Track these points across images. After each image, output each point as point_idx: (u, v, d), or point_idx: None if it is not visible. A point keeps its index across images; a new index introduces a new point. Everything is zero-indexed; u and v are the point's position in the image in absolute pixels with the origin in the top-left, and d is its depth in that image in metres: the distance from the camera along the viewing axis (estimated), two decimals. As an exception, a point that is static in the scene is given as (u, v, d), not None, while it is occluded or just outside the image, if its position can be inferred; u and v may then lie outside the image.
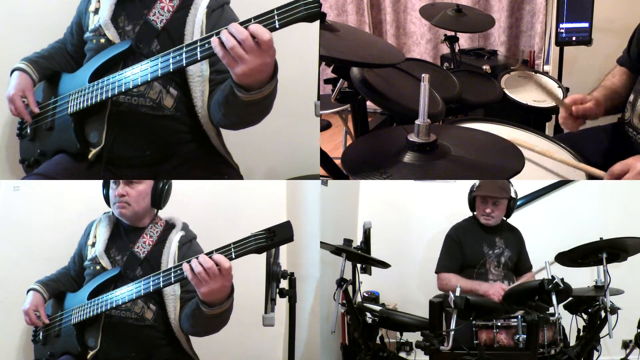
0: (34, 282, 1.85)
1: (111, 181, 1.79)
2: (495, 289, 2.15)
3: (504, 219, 2.40)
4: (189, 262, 1.46)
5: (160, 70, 1.46)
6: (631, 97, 1.82)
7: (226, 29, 1.29)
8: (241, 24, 1.31)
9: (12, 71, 1.73)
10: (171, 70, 1.45)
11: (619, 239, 1.97)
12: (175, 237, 1.79)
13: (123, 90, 1.54)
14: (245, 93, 1.37)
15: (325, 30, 1.66)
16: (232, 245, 1.45)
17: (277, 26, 1.30)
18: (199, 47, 1.39)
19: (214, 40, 1.30)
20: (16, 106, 1.69)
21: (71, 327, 1.73)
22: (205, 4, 1.66)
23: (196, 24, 1.63)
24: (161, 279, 1.56)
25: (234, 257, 1.44)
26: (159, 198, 1.80)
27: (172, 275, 1.55)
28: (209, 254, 1.47)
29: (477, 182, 2.36)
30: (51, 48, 1.83)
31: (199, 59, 1.39)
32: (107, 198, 1.83)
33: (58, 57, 1.81)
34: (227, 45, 1.28)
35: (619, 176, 1.41)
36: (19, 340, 2.08)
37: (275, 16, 1.30)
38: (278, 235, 1.42)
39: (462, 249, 2.32)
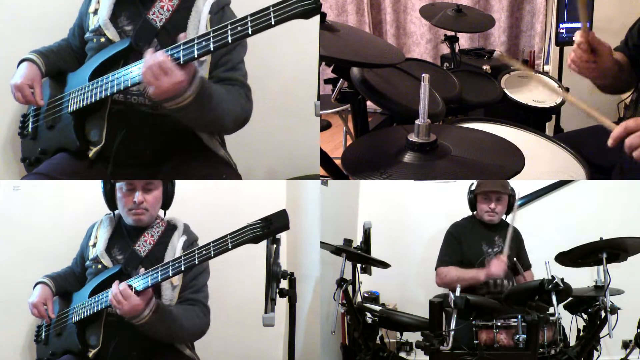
0: (42, 276, 1.84)
1: (121, 186, 1.77)
2: (495, 265, 2.14)
3: (503, 217, 2.40)
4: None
5: None
6: (634, 95, 1.82)
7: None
8: (236, 21, 1.34)
9: (21, 61, 1.70)
10: None
11: (619, 239, 1.97)
12: (178, 243, 1.81)
13: (122, 88, 1.54)
14: (165, 103, 1.46)
15: (325, 30, 1.66)
16: (228, 236, 1.47)
17: (273, 23, 1.31)
18: (195, 45, 1.39)
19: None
20: (24, 94, 1.64)
21: (72, 325, 1.73)
22: (207, 8, 1.66)
23: (199, 30, 1.64)
24: (159, 274, 1.57)
25: (230, 247, 1.46)
26: (170, 199, 1.83)
27: (170, 269, 1.56)
28: (205, 246, 1.50)
29: (474, 182, 2.36)
30: (58, 45, 1.82)
31: (195, 56, 1.40)
32: (107, 197, 1.82)
33: (65, 54, 1.80)
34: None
35: (633, 131, 1.37)
36: (19, 341, 2.07)
37: (271, 13, 1.30)
38: (274, 223, 1.43)
39: (462, 246, 2.33)
